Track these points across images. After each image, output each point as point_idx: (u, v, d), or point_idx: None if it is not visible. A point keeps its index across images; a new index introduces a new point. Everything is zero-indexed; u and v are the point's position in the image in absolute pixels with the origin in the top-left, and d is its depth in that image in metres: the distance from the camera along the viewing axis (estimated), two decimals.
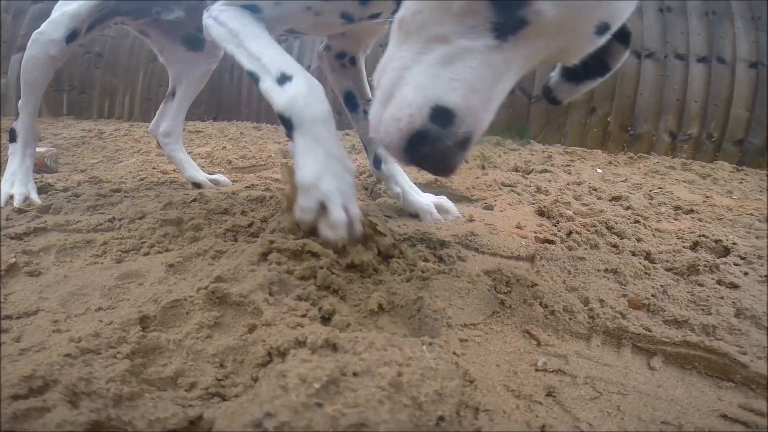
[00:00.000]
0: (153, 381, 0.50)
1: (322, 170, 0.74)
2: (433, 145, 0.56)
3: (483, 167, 2.35)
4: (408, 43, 0.59)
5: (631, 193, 1.78)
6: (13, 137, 1.44)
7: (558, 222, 1.28)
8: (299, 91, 0.79)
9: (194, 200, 1.23)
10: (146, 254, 0.87)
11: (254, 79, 0.86)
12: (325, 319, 0.63)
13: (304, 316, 0.60)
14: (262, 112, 4.90)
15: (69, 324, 0.61)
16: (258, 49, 0.87)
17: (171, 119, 1.72)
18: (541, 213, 1.39)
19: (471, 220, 1.25)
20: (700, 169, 2.87)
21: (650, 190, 1.93)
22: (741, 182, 2.56)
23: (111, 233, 0.98)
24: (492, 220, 1.27)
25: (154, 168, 2.11)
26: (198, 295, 0.63)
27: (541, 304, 0.76)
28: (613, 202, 1.68)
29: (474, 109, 0.56)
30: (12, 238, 0.92)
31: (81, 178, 1.79)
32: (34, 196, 1.34)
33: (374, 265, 0.77)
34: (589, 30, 0.56)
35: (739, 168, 3.05)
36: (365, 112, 1.24)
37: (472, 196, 1.63)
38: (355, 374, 0.43)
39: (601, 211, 1.45)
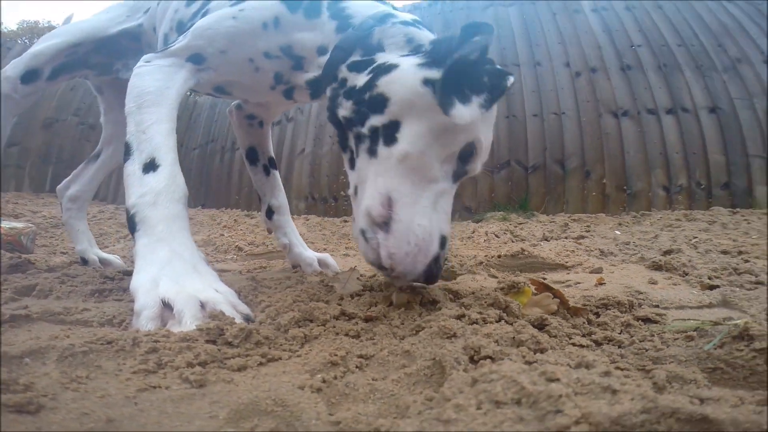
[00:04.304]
0: None
1: (159, 273, 0.67)
2: (439, 263, 0.78)
3: (514, 240, 2.36)
4: (412, 177, 0.79)
5: (679, 247, 1.79)
6: None
7: (686, 273, 1.31)
8: (153, 187, 0.76)
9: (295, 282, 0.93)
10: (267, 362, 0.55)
11: (126, 152, 0.82)
12: None
13: None
14: (254, 200, 4.53)
15: None
16: (150, 120, 0.83)
17: (85, 183, 1.55)
18: (657, 267, 1.43)
19: (601, 283, 1.21)
20: (703, 216, 2.95)
21: (690, 240, 1.96)
22: (749, 223, 2.64)
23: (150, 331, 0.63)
24: (624, 281, 1.24)
25: None
26: None
27: None
28: (667, 255, 1.68)
29: (449, 230, 0.83)
30: None
31: (65, 261, 1.51)
32: None
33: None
34: None
35: (734, 210, 3.13)
36: (264, 167, 1.40)
37: (566, 263, 1.55)
38: None
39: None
